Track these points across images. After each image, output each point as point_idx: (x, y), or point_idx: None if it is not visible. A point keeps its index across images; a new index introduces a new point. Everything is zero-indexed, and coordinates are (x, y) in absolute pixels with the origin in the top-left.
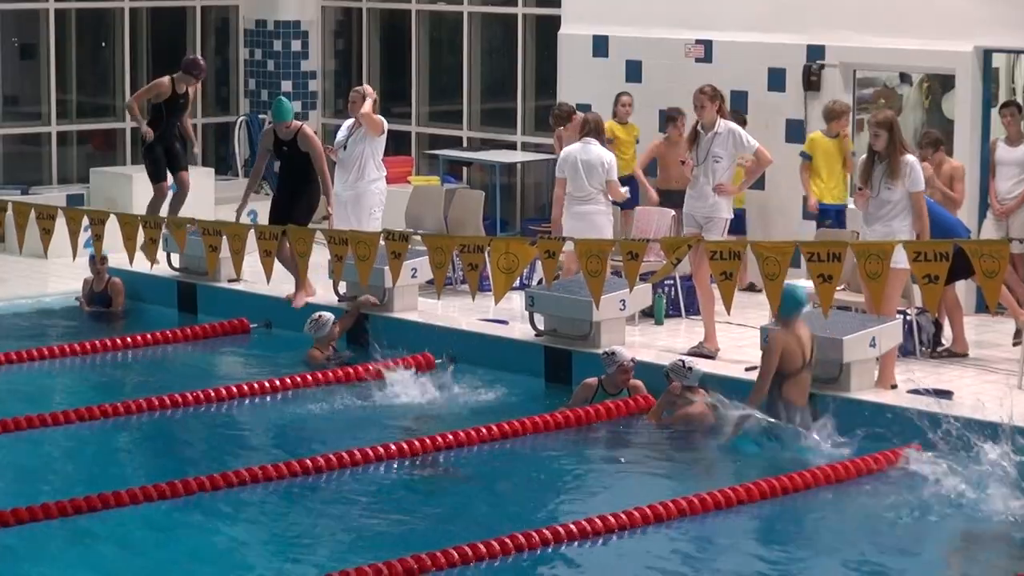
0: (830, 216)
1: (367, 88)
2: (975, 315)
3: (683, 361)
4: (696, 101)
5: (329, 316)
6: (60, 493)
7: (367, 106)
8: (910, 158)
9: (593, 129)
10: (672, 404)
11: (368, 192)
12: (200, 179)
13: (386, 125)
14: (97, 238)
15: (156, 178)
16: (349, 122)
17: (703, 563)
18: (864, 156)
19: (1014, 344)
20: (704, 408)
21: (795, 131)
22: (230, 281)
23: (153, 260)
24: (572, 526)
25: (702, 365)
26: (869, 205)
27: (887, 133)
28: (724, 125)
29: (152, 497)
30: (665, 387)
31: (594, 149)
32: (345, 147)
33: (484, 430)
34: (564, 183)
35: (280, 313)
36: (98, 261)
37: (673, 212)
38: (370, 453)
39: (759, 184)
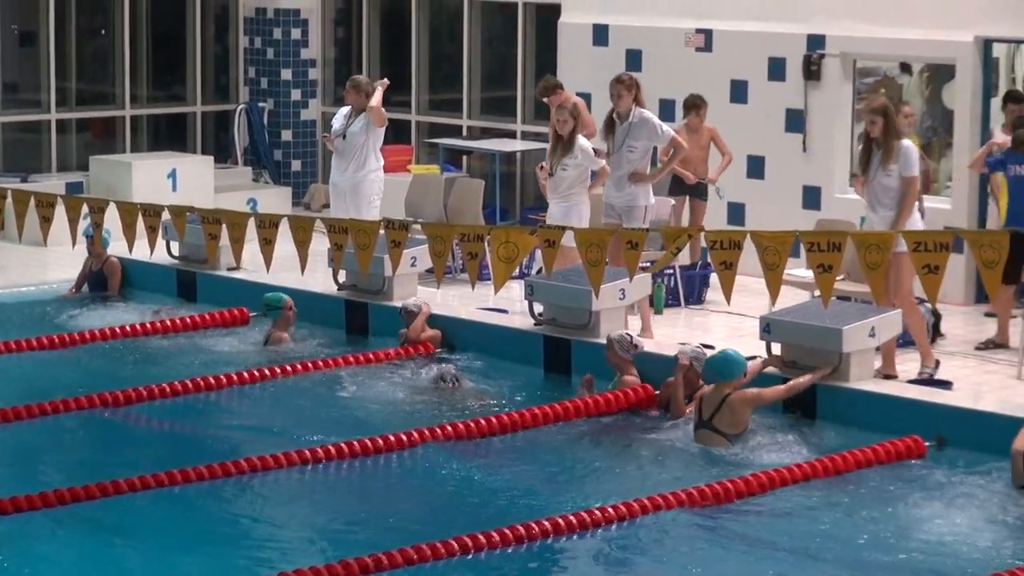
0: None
1: (373, 82)
2: (973, 305)
3: (701, 347)
4: (613, 91)
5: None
6: (60, 482)
7: (376, 99)
8: (905, 143)
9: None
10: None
11: (367, 181)
12: (200, 167)
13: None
14: (96, 226)
15: None
16: (345, 110)
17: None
18: (862, 144)
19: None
20: None
21: (795, 121)
22: (230, 269)
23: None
24: (571, 518)
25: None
26: (868, 192)
27: (882, 119)
28: (639, 114)
29: (151, 485)
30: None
31: None
32: (344, 136)
33: (483, 421)
34: None
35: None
36: (96, 248)
37: (673, 201)
38: (369, 444)
39: (758, 174)
